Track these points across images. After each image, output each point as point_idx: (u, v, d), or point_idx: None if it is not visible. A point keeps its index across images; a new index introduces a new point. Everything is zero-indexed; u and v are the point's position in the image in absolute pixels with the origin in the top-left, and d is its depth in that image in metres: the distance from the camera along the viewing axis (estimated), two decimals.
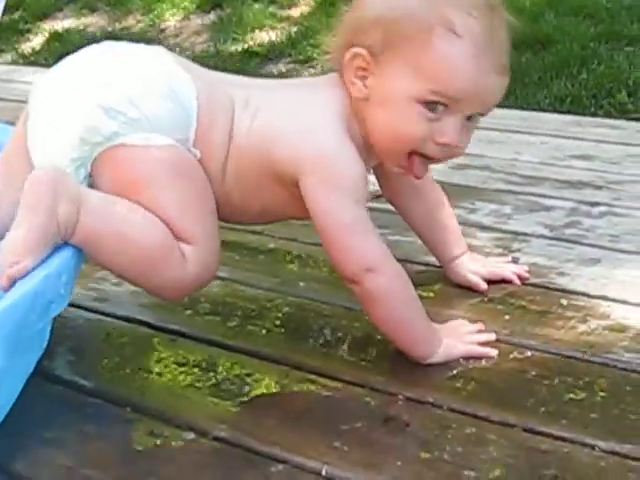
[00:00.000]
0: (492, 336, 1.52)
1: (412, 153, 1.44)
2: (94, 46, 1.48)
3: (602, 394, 1.37)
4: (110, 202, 1.38)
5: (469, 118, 1.42)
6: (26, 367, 1.34)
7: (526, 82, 4.12)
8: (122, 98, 1.38)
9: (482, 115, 1.44)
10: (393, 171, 1.52)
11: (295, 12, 5.60)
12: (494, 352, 1.48)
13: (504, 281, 1.73)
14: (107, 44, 1.50)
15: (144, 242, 1.38)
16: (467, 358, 1.47)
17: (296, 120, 1.46)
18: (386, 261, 1.44)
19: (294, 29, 5.32)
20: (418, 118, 1.39)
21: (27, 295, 1.21)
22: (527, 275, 1.75)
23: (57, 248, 1.32)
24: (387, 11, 1.39)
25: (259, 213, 1.56)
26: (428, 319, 1.48)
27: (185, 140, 1.43)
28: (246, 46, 5.19)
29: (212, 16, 5.80)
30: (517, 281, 1.73)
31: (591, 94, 3.92)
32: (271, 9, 5.62)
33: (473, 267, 1.74)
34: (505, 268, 1.77)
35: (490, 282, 1.72)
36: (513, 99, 3.78)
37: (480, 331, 1.54)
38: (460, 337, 1.51)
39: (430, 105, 1.38)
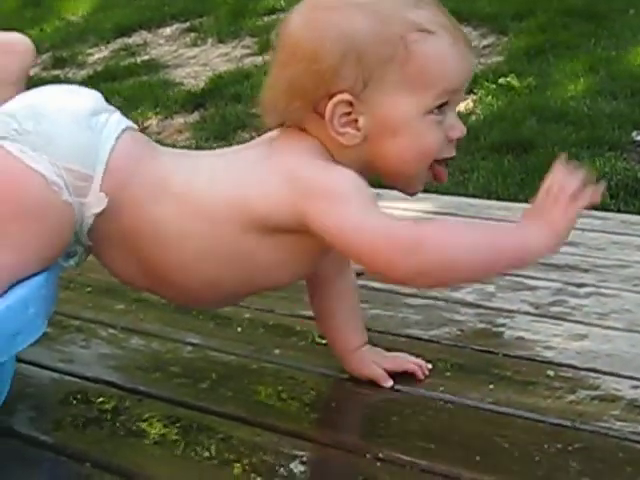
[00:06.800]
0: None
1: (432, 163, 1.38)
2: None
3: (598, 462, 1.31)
4: None
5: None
6: None
7: (508, 182, 4.12)
8: (27, 109, 1.34)
9: None
10: (418, 189, 1.42)
11: None
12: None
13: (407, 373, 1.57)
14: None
15: None
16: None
17: (277, 165, 1.34)
18: (418, 227, 1.31)
19: None
20: (432, 127, 1.33)
21: None
22: (427, 372, 1.58)
23: (25, 279, 1.27)
24: (349, 45, 1.29)
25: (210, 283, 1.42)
26: (503, 225, 1.36)
27: (87, 177, 1.32)
28: (229, 143, 5.19)
29: (195, 115, 5.82)
30: (420, 374, 1.57)
31: None
32: (254, 110, 5.63)
33: (376, 358, 1.58)
34: (407, 360, 1.60)
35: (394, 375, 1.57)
36: (495, 198, 3.76)
37: None
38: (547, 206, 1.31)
39: (439, 109, 1.34)
